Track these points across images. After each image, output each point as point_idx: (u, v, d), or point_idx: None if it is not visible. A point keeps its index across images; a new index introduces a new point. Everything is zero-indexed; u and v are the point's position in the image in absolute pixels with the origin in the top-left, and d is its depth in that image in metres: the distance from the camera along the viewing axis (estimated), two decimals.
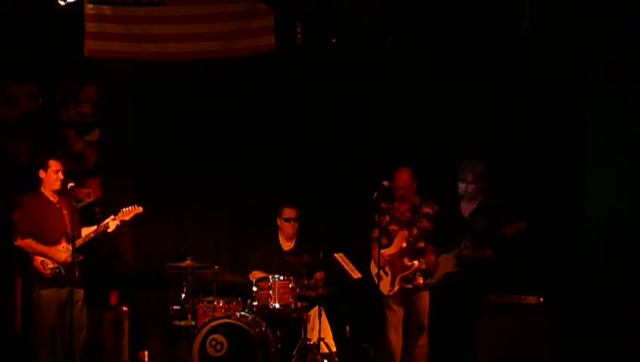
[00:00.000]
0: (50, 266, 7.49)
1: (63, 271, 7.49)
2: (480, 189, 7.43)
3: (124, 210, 7.74)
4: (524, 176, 8.22)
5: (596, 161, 8.04)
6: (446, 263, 7.44)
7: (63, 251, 7.48)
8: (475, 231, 7.30)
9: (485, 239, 7.22)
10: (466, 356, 7.26)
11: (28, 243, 7.51)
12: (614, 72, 7.93)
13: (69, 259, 7.44)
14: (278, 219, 8.56)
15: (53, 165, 7.57)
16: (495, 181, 7.61)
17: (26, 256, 7.53)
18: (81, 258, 7.47)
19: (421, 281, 7.80)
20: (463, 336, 7.24)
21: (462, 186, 7.45)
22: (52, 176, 7.55)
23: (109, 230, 7.65)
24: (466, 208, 7.50)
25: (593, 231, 7.96)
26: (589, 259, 7.94)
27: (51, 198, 7.61)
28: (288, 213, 8.50)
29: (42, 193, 7.61)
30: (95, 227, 7.65)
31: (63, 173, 7.57)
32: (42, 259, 7.50)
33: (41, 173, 7.59)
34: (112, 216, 7.68)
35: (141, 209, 7.81)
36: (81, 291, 7.61)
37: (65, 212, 7.56)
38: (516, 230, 7.13)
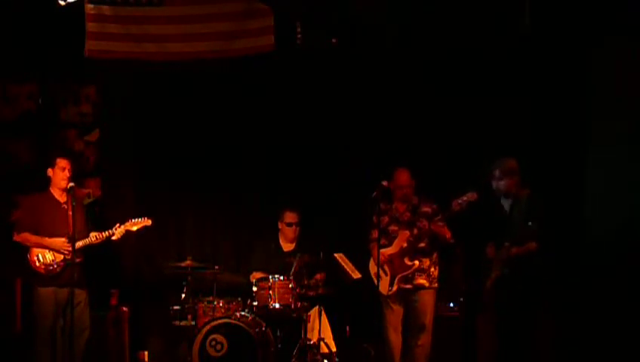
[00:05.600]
0: (44, 261, 7.46)
1: (57, 268, 7.46)
2: (512, 185, 7.41)
3: (132, 220, 7.69)
4: (524, 175, 8.21)
5: (596, 161, 8.04)
6: (495, 267, 7.39)
7: (60, 244, 7.45)
8: (513, 226, 7.29)
9: (524, 233, 7.20)
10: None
11: (24, 236, 7.50)
12: (614, 71, 7.93)
13: (65, 251, 7.41)
14: (279, 223, 8.57)
15: (61, 163, 7.56)
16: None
17: (25, 254, 7.51)
18: (78, 260, 7.43)
19: (421, 281, 7.80)
20: (526, 336, 7.23)
21: (493, 183, 7.45)
22: (59, 174, 7.54)
23: (113, 238, 7.60)
24: (506, 204, 7.48)
25: (593, 230, 7.96)
26: (590, 259, 7.93)
27: (58, 198, 7.60)
28: (290, 217, 8.50)
29: (50, 192, 7.61)
30: (98, 233, 7.61)
31: (70, 171, 7.56)
32: (38, 253, 7.47)
33: (49, 171, 7.59)
34: (118, 224, 7.63)
35: (150, 222, 7.75)
36: (84, 292, 7.58)
37: (70, 213, 7.48)
38: (466, 202, 7.20)
